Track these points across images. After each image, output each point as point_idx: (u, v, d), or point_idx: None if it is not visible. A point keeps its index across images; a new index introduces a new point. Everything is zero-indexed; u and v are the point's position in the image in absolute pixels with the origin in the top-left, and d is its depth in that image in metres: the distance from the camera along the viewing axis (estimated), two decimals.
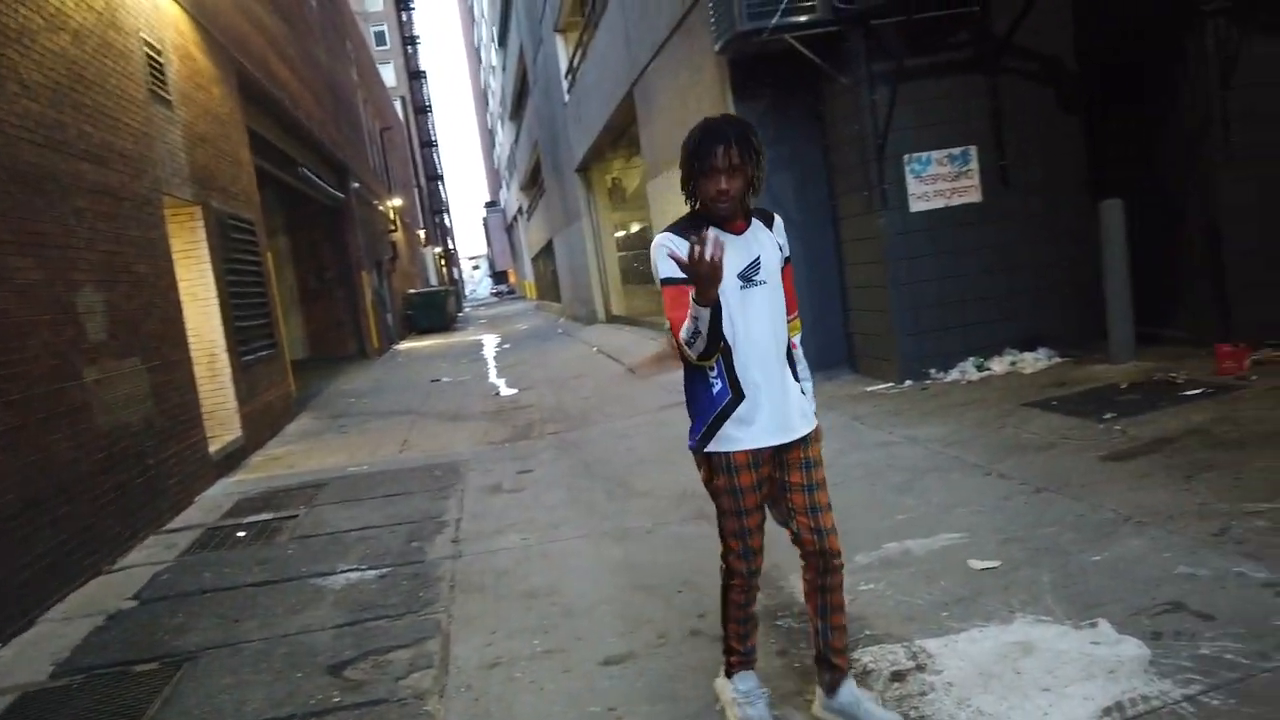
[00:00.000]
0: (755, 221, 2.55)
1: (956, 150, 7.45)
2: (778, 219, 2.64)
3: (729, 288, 2.44)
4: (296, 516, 6.25)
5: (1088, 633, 3.01)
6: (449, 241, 75.35)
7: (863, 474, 5.30)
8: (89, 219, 6.10)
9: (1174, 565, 3.40)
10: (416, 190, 47.88)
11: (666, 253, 2.42)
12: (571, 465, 6.92)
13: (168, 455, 6.82)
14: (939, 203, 7.48)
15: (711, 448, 2.55)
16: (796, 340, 2.67)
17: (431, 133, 68.91)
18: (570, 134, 20.25)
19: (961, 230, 7.52)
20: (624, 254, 20.06)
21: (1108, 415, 5.58)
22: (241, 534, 5.96)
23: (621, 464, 6.69)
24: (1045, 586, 3.41)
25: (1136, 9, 7.01)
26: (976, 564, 3.74)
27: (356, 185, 21.71)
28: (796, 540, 2.65)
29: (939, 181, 7.44)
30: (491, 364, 17.09)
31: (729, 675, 2.79)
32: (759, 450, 2.53)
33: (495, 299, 78.23)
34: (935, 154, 7.44)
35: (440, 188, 70.35)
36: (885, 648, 3.13)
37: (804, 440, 2.59)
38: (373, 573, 4.76)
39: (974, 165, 7.48)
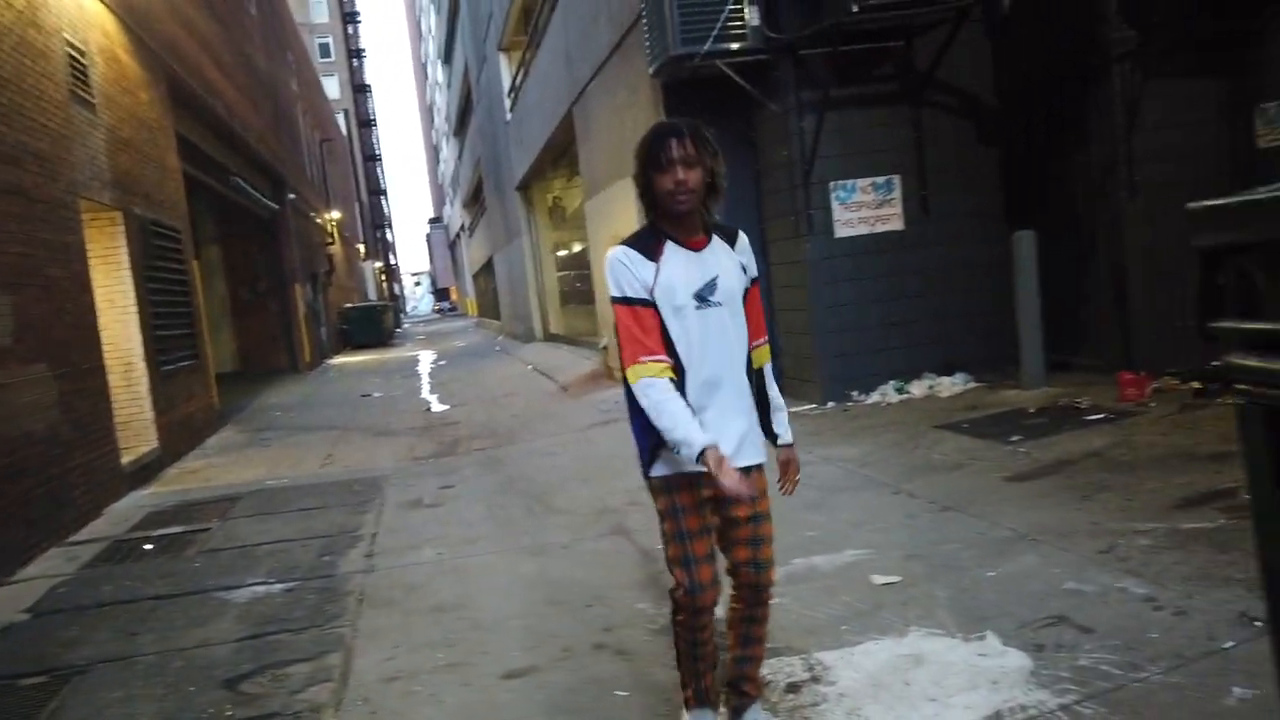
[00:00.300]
0: (716, 239, 2.43)
1: (880, 179, 7.66)
2: (742, 236, 2.50)
3: (683, 307, 2.35)
4: (208, 530, 6.10)
5: (976, 645, 3.10)
6: (390, 257, 74.51)
7: (776, 492, 5.36)
8: None
9: (1062, 581, 3.52)
10: (358, 204, 47.34)
11: (621, 268, 2.34)
12: (495, 481, 6.88)
13: (74, 465, 6.60)
14: (863, 229, 7.67)
15: (655, 470, 2.44)
16: (768, 368, 2.57)
17: (376, 147, 68.28)
18: (512, 152, 20.27)
19: (884, 257, 7.72)
20: (563, 274, 20.08)
21: (1014, 438, 5.76)
22: (149, 547, 5.79)
23: (544, 481, 6.67)
24: (941, 601, 3.50)
25: (1051, 51, 7.31)
26: (878, 579, 3.82)
27: (293, 196, 21.38)
28: (733, 571, 2.56)
29: (863, 209, 7.64)
30: (425, 380, 16.93)
31: (686, 709, 2.67)
32: (700, 474, 2.36)
33: (437, 315, 77.51)
34: (860, 182, 7.63)
35: (383, 202, 69.62)
36: (784, 660, 3.18)
37: (748, 470, 2.44)
38: (280, 586, 4.67)
39: (897, 194, 7.69)
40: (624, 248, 2.38)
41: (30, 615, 4.60)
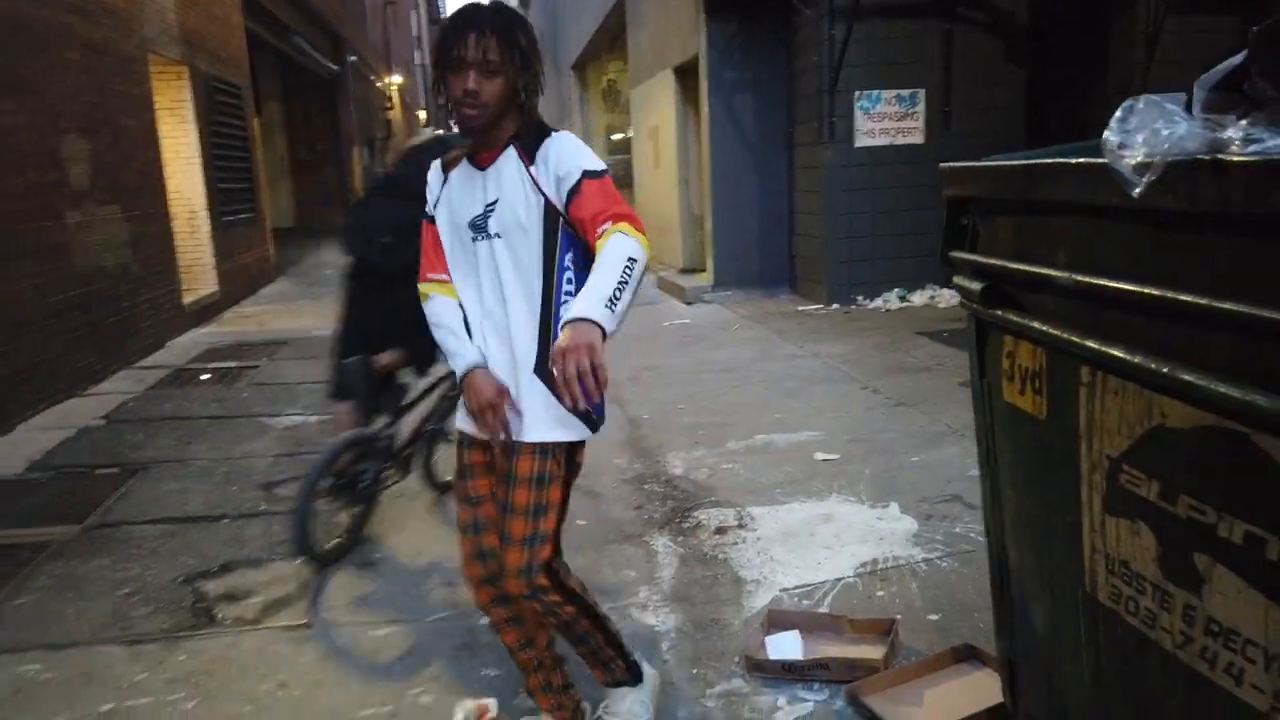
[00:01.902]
0: (509, 152, 1.93)
1: (905, 92, 7.88)
2: (553, 141, 1.92)
3: (458, 237, 2.01)
4: (257, 367, 6.86)
5: (878, 511, 3.69)
6: (449, 124, 74.22)
7: (762, 379, 5.93)
8: (75, 71, 6.50)
9: (970, 469, 4.06)
10: (420, 70, 47.16)
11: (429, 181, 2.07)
12: None
13: (142, 300, 7.37)
14: (883, 140, 7.94)
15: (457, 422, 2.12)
16: (606, 247, 1.79)
17: (440, 10, 67.26)
18: (569, 28, 20.23)
19: (902, 169, 8.00)
20: (613, 158, 20.30)
21: None
22: (205, 376, 6.58)
23: None
24: (865, 477, 4.07)
25: None
26: (820, 456, 4.40)
27: (354, 59, 21.66)
28: None
29: (885, 120, 7.89)
30: None
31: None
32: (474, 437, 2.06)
33: None
34: (885, 93, 7.86)
35: None
36: (721, 510, 3.79)
37: (516, 448, 1.97)
38: (314, 418, 5.39)
39: (920, 108, 7.92)
40: (438, 159, 2.09)
41: (105, 421, 5.41)
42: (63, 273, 6.07)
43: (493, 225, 1.94)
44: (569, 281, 1.94)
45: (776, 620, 2.78)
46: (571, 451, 2.02)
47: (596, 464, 4.43)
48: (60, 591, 3.23)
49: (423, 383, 3.90)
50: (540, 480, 1.96)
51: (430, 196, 2.07)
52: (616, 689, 2.26)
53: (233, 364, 6.97)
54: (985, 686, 2.32)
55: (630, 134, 16.66)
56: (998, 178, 1.68)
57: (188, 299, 8.53)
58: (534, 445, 1.96)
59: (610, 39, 17.07)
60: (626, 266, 1.74)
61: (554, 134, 1.94)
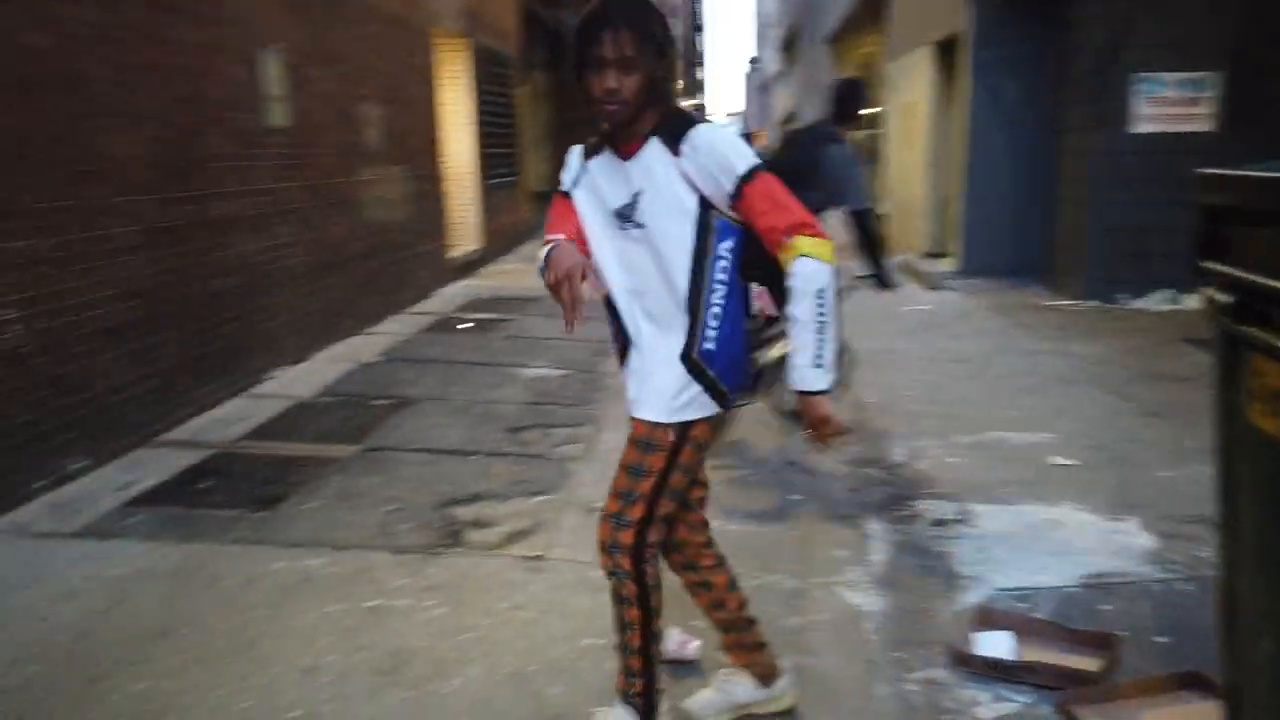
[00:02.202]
0: (654, 142, 1.94)
1: (1195, 75, 7.14)
2: (698, 130, 1.92)
3: (604, 223, 2.05)
4: (511, 320, 7.46)
5: (1114, 524, 3.50)
6: (700, 96, 75.10)
7: (1000, 373, 5.70)
8: (374, 43, 7.29)
9: None
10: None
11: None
12: None
13: (418, 253, 8.20)
14: (1165, 127, 7.26)
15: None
16: (796, 274, 1.89)
17: None
18: (827, 1, 19.84)
19: (1181, 159, 7.23)
20: (862, 135, 19.79)
21: None
22: (466, 325, 7.25)
23: None
24: (1103, 487, 3.85)
25: None
26: (1055, 460, 4.20)
27: None
28: None
29: (1169, 105, 7.20)
30: None
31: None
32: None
33: None
34: (1170, 75, 7.17)
35: (698, 39, 69.68)
36: (941, 503, 3.75)
37: (652, 425, 2.03)
38: (558, 372, 5.82)
39: (1210, 93, 7.15)
40: (579, 145, 2.13)
41: (383, 359, 6.13)
42: (357, 225, 6.89)
43: (640, 215, 1.96)
44: (723, 270, 1.97)
45: (988, 619, 2.76)
46: (688, 426, 2.01)
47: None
48: (341, 501, 3.76)
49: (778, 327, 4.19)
50: (647, 445, 2.01)
51: (568, 175, 2.11)
52: (617, 708, 2.18)
53: (490, 316, 7.62)
54: (1208, 717, 2.20)
55: (882, 109, 16.19)
56: (1259, 188, 1.59)
57: (454, 254, 9.36)
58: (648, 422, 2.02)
59: (870, 12, 16.58)
60: (819, 308, 1.87)
61: (697, 124, 1.93)
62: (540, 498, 3.79)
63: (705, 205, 1.94)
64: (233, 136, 5.23)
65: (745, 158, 1.89)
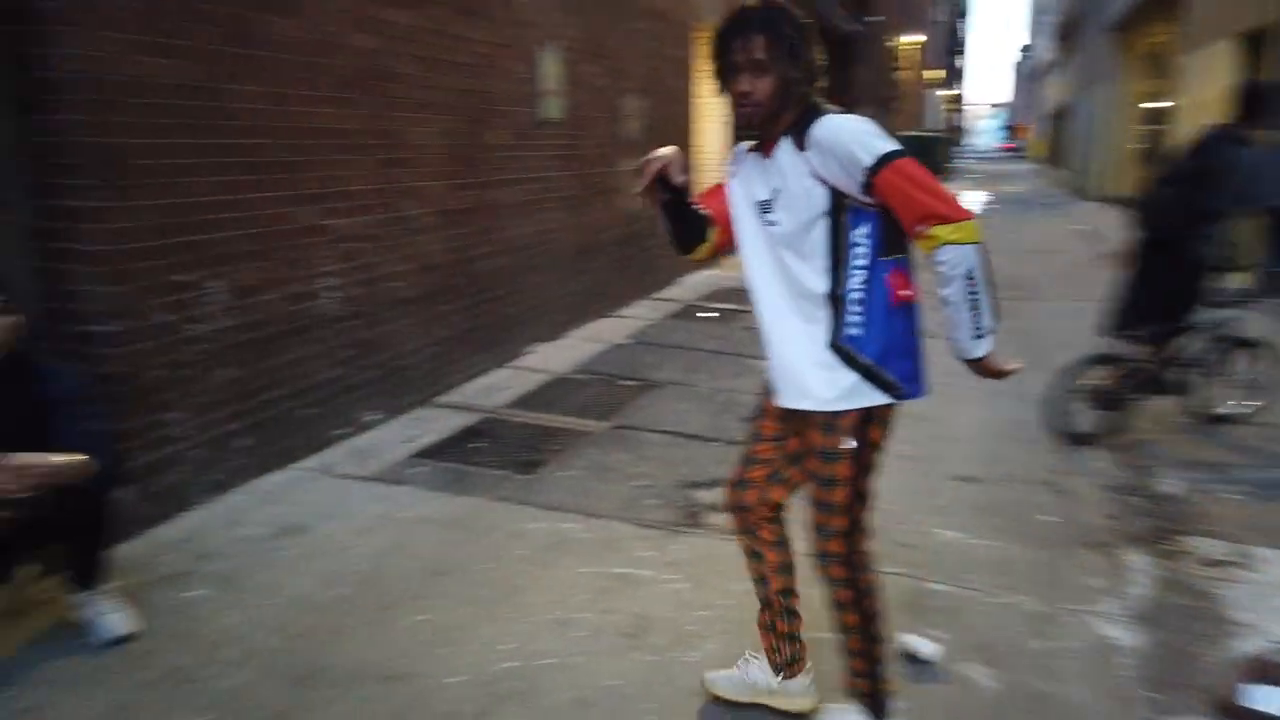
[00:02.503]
0: (785, 141, 2.00)
1: None
2: (820, 122, 1.94)
3: (749, 216, 2.13)
4: (752, 311, 7.56)
5: None
6: (959, 85, 71.46)
7: None
8: (639, 38, 7.61)
9: None
10: (932, 27, 45.86)
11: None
12: (1007, 331, 7.28)
13: (663, 241, 8.47)
14: None
15: None
16: (944, 260, 1.92)
17: None
18: None
19: None
20: (1142, 128, 18.10)
21: None
22: (709, 314, 7.45)
23: (1053, 340, 6.93)
24: None
25: None
26: None
27: (872, 19, 21.87)
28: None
29: None
30: None
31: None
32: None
33: (999, 153, 72.99)
34: None
35: (959, 26, 66.25)
36: (1216, 542, 3.46)
37: (802, 415, 2.08)
38: None
39: None
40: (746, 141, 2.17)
41: (631, 341, 6.45)
42: (614, 212, 7.26)
43: (776, 213, 2.04)
44: (861, 256, 1.99)
45: (1263, 670, 2.52)
46: (864, 426, 2.03)
47: (1072, 462, 4.26)
48: (592, 472, 4.04)
49: (1195, 331, 4.47)
50: (826, 455, 2.05)
51: (730, 166, 2.21)
52: (847, 705, 2.24)
53: (732, 306, 7.77)
54: None
55: (1168, 104, 14.73)
56: None
57: None
58: (821, 419, 2.04)
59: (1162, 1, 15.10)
60: (969, 288, 1.91)
61: (821, 116, 1.95)
62: None
63: (836, 196, 1.97)
64: (513, 128, 5.68)
65: (870, 149, 1.89)
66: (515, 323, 5.88)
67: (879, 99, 25.23)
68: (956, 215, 1.88)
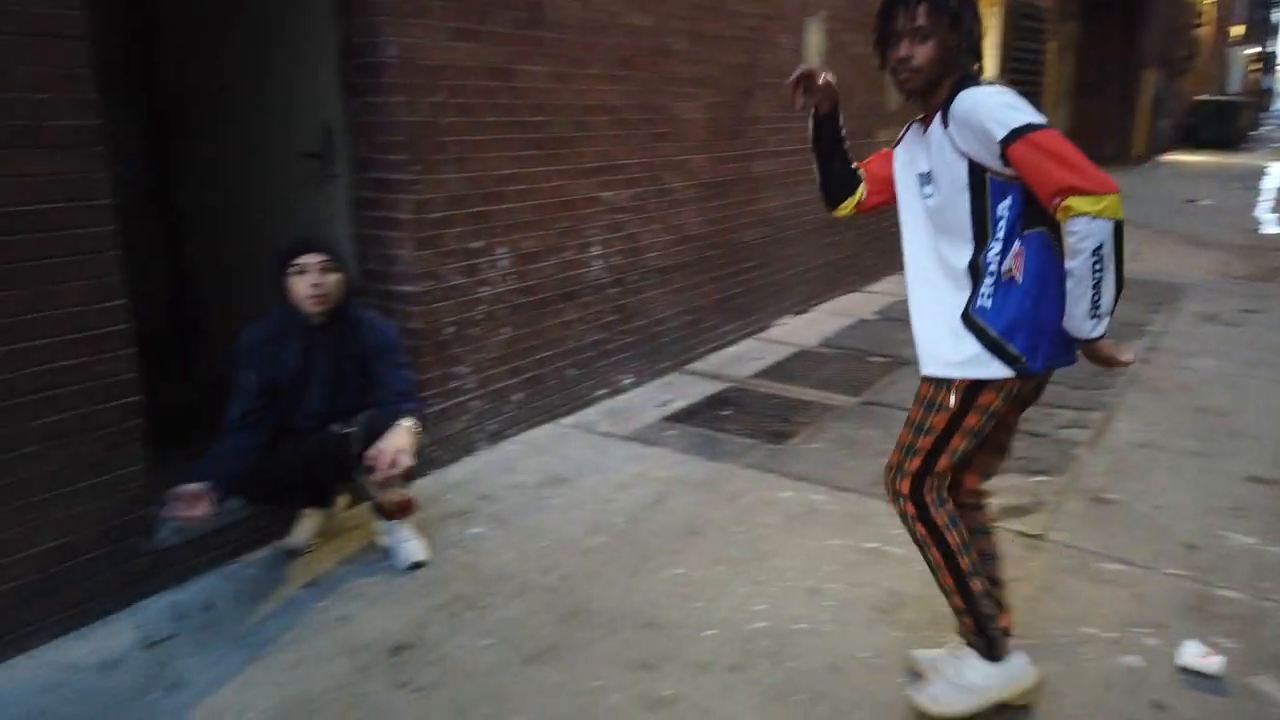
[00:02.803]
0: (937, 118, 2.04)
1: None
2: (960, 97, 1.94)
3: (908, 187, 2.22)
4: None
5: None
6: (1272, 43, 62.48)
7: None
8: None
9: None
10: None
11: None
12: None
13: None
14: None
15: None
16: (1072, 231, 1.86)
17: None
18: None
19: None
20: None
21: None
22: None
23: None
24: None
25: None
26: None
27: None
28: None
29: None
30: (1265, 195, 15.06)
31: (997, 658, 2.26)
32: None
33: None
34: None
35: None
36: None
37: (928, 381, 2.14)
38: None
39: None
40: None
41: (878, 317, 6.34)
42: None
43: (929, 188, 2.11)
44: (1003, 227, 1.99)
45: None
46: (974, 392, 2.04)
47: None
48: (840, 446, 4.04)
49: None
50: (930, 405, 2.10)
51: (900, 134, 2.27)
52: (966, 649, 2.25)
53: None
54: None
55: None
56: None
57: None
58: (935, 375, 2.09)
59: None
60: (1095, 264, 1.84)
61: (963, 90, 1.95)
62: (1040, 477, 3.69)
63: (977, 170, 1.99)
64: (775, 100, 5.70)
65: (1003, 122, 1.87)
66: (765, 294, 5.93)
67: (1169, 59, 22.71)
68: (1096, 188, 1.82)
